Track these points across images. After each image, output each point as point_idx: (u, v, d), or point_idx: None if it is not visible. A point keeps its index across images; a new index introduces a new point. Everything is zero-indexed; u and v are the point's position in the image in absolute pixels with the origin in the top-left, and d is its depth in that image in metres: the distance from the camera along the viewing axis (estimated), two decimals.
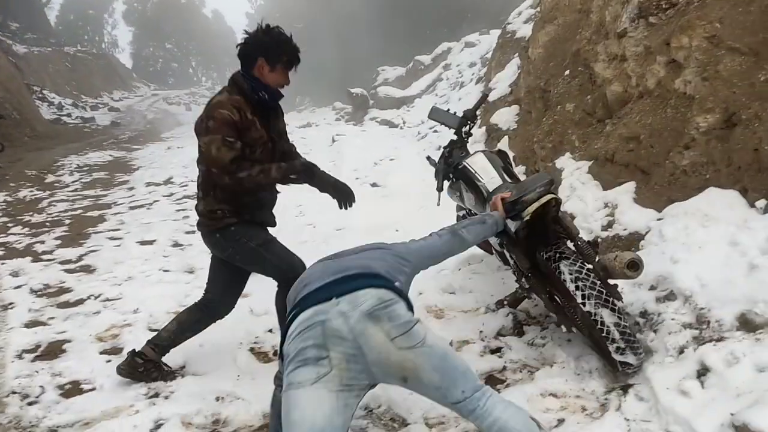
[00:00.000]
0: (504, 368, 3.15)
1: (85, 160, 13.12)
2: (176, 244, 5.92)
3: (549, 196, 2.90)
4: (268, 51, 2.96)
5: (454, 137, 4.11)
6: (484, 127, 8.27)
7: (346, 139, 11.38)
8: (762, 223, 3.03)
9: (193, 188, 8.92)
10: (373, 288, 2.05)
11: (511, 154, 6.57)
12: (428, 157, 4.43)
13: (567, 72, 5.62)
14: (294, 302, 2.15)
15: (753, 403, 2.17)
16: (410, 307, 2.14)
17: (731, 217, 3.17)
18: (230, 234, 2.98)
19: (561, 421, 2.61)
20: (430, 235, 2.67)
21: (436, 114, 4.16)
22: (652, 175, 3.96)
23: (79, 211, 7.90)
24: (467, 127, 4.06)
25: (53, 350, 3.61)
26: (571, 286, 2.77)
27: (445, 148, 4.15)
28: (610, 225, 4.08)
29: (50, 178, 10.81)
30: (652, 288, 3.19)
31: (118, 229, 6.68)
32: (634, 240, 3.76)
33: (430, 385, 1.97)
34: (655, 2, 4.31)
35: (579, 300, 2.74)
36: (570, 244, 3.07)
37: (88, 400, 3.02)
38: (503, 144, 7.01)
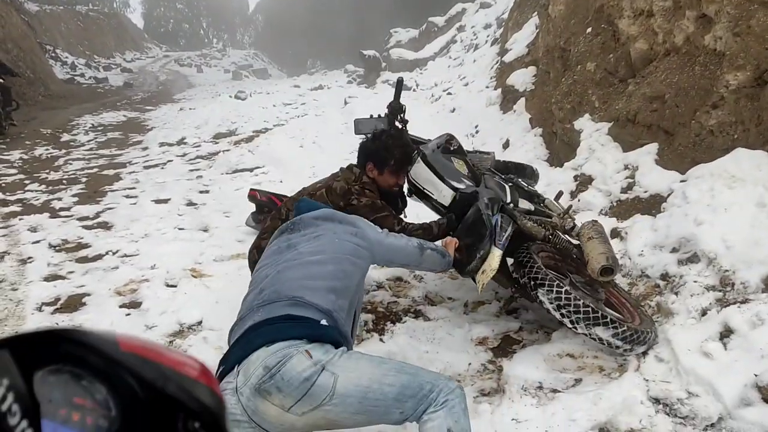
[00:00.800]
0: (520, 329, 3.14)
1: (99, 120, 13.10)
2: (190, 203, 5.91)
3: (495, 262, 2.67)
4: (376, 156, 3.06)
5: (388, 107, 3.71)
6: (499, 90, 8.13)
7: (359, 101, 11.24)
8: None
9: (206, 148, 8.95)
10: (270, 345, 1.78)
11: (527, 116, 6.48)
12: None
13: (589, 30, 5.46)
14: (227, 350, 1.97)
15: None
16: (335, 336, 1.90)
17: (760, 178, 3.10)
18: None
19: (578, 381, 2.60)
20: (405, 237, 2.58)
21: (361, 126, 3.65)
22: (676, 135, 3.87)
23: (95, 170, 7.90)
24: (399, 117, 3.69)
25: (73, 303, 3.63)
26: (557, 315, 2.63)
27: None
28: (630, 187, 4.01)
29: (65, 137, 10.81)
30: (674, 250, 3.14)
31: (134, 188, 6.68)
32: (655, 202, 3.69)
33: (360, 424, 1.82)
34: None
35: (569, 326, 2.62)
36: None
37: None
38: (519, 105, 6.89)
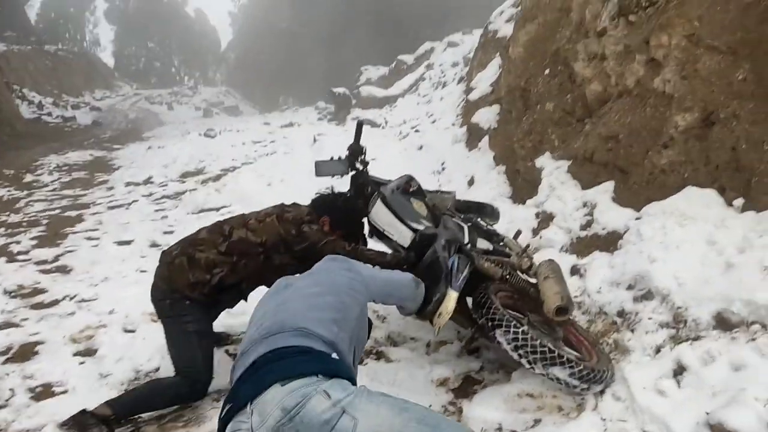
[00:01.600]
0: (481, 368, 3.14)
1: (64, 160, 12.94)
2: (154, 245, 5.84)
3: (451, 305, 2.67)
4: (336, 217, 3.15)
5: (353, 174, 3.73)
6: (465, 127, 8.27)
7: (328, 139, 11.31)
8: (739, 221, 3.05)
9: (173, 187, 8.88)
10: (284, 383, 1.74)
11: (491, 154, 6.60)
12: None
13: (547, 71, 5.63)
14: (230, 388, 1.93)
15: (728, 402, 2.17)
16: (347, 370, 1.91)
17: (709, 216, 3.18)
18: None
19: (537, 422, 2.59)
20: (399, 272, 2.63)
21: (322, 168, 3.67)
22: (630, 174, 3.97)
23: (57, 211, 7.78)
24: (360, 159, 3.70)
25: (25, 352, 3.53)
26: (514, 355, 2.63)
27: (348, 190, 3.71)
28: (588, 225, 4.09)
29: (29, 178, 10.65)
30: (630, 287, 3.20)
31: (96, 229, 6.58)
32: (613, 239, 3.76)
33: None
34: (635, 0, 4.33)
35: (526, 366, 2.62)
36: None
37: (60, 403, 2.95)
38: (484, 143, 7.01)
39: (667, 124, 3.66)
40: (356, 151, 3.62)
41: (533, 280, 3.13)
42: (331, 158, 3.71)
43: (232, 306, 3.23)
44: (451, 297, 2.67)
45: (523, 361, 2.62)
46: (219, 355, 3.36)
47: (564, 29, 5.61)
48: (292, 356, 1.84)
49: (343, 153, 3.70)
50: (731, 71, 3.33)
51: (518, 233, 3.53)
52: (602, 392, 2.64)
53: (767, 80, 3.13)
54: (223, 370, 3.20)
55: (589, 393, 2.63)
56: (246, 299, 3.22)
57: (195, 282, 2.88)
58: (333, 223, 3.10)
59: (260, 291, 3.04)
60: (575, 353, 2.82)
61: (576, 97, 4.98)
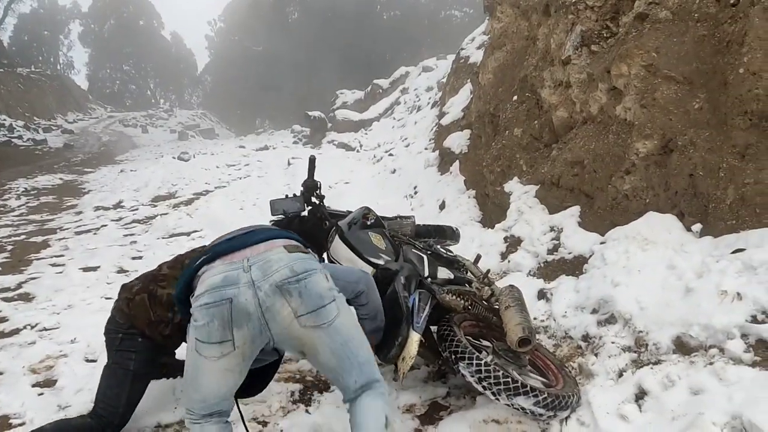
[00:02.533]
0: (448, 394, 3.12)
1: (33, 184, 12.73)
2: (121, 270, 5.74)
3: (414, 348, 2.61)
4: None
5: (309, 209, 3.66)
6: (437, 151, 8.35)
7: (302, 162, 11.33)
8: (697, 246, 3.11)
9: (143, 212, 8.77)
10: (290, 251, 2.05)
11: (462, 178, 6.66)
12: None
13: (515, 97, 5.73)
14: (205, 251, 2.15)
15: (687, 426, 2.19)
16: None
17: (669, 241, 3.25)
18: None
19: None
20: None
21: (277, 206, 3.58)
22: (595, 199, 4.04)
23: (23, 237, 7.61)
24: (315, 194, 3.62)
25: None
26: (479, 387, 2.62)
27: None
28: (555, 249, 4.14)
29: None
30: (594, 311, 3.23)
31: (62, 255, 6.45)
32: (578, 263, 3.81)
33: (325, 366, 2.07)
34: (597, 31, 4.45)
35: (491, 397, 2.61)
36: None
37: None
38: (455, 167, 7.08)
39: (628, 151, 3.74)
40: (311, 186, 3.54)
41: (496, 306, 3.14)
42: (286, 196, 3.66)
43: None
44: (414, 340, 2.62)
45: (488, 392, 2.61)
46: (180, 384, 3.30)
47: (531, 57, 5.73)
48: (288, 233, 2.18)
49: (298, 189, 3.66)
50: (688, 100, 3.44)
51: (478, 258, 3.56)
52: (567, 418, 2.64)
53: (722, 109, 3.23)
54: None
55: (555, 420, 2.64)
56: None
57: (156, 321, 2.78)
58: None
59: None
60: (541, 378, 2.82)
61: (543, 122, 5.07)
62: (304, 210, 3.54)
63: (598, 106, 4.24)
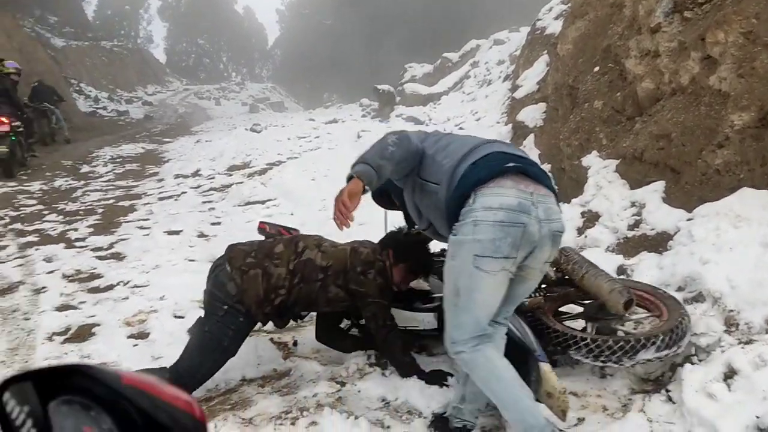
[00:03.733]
0: None
1: (118, 152, 13.37)
2: (201, 235, 6.00)
3: (554, 379, 2.40)
4: (398, 248, 3.10)
5: None
6: (510, 125, 8.21)
7: (372, 135, 11.37)
8: None
9: (220, 180, 9.09)
10: (557, 203, 2.20)
11: (536, 152, 6.53)
12: None
13: (596, 68, 5.54)
14: (477, 156, 2.19)
15: None
16: None
17: (765, 218, 3.09)
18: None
19: (581, 420, 2.57)
20: None
21: None
22: (682, 174, 3.88)
23: (111, 201, 8.06)
24: None
25: (82, 333, 3.69)
26: (599, 363, 2.70)
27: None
28: (637, 224, 4.02)
29: (85, 169, 11.04)
30: (680, 289, 3.13)
31: (147, 219, 6.80)
32: (662, 240, 3.69)
33: (511, 301, 2.27)
34: None
35: (616, 367, 2.68)
36: None
37: None
38: (529, 141, 6.94)
39: (722, 123, 3.57)
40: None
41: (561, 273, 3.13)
42: None
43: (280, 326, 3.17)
44: (548, 371, 2.41)
45: (610, 364, 2.61)
46: (262, 342, 3.45)
47: (615, 25, 5.51)
48: (543, 171, 2.25)
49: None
50: None
51: None
52: (650, 394, 2.61)
53: None
54: (268, 357, 3.30)
55: (681, 351, 2.62)
56: (297, 320, 3.30)
57: (263, 299, 2.82)
58: (395, 255, 3.06)
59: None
60: (644, 312, 2.88)
61: (626, 95, 4.89)
62: None
63: (689, 77, 4.04)
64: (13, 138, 9.48)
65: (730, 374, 2.45)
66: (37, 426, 0.46)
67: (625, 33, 5.10)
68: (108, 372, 0.46)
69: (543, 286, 3.07)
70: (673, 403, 2.50)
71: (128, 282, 4.54)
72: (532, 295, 2.98)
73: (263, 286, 2.82)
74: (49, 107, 13.06)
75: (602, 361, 2.61)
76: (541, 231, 2.05)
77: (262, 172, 9.53)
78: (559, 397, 2.34)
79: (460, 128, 10.75)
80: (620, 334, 2.65)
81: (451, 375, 2.91)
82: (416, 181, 2.36)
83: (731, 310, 2.75)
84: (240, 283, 2.81)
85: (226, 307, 2.82)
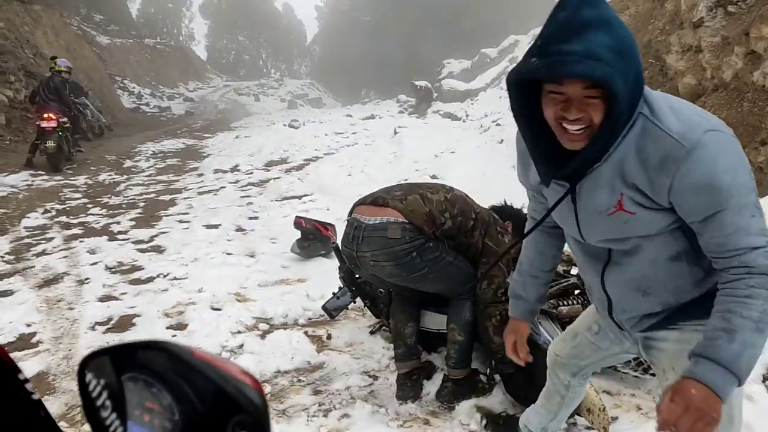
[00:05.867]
0: None
1: (160, 147, 13.69)
2: (239, 229, 6.12)
3: (593, 394, 2.36)
4: (518, 222, 2.97)
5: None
6: None
7: (408, 131, 11.39)
8: None
9: (258, 175, 9.24)
10: None
11: None
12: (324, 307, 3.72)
13: None
14: None
15: None
16: None
17: None
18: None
19: (614, 419, 2.55)
20: None
21: (331, 310, 3.62)
22: None
23: (153, 195, 8.27)
24: (354, 279, 3.38)
25: (124, 323, 3.81)
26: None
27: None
28: None
29: (128, 163, 11.35)
30: None
31: (187, 213, 6.96)
32: None
33: None
34: None
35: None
36: None
37: None
38: None
39: (765, 120, 3.47)
40: (348, 274, 3.35)
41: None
42: (333, 294, 3.65)
43: None
44: (587, 386, 2.24)
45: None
46: (297, 336, 3.51)
47: (657, 20, 5.39)
48: None
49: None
50: None
51: None
52: None
53: None
54: (302, 350, 3.35)
55: None
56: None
57: (430, 219, 2.63)
58: (516, 229, 2.98)
59: None
60: None
61: (668, 90, 4.78)
62: (354, 298, 3.54)
63: (732, 72, 3.94)
64: (61, 133, 9.80)
65: None
66: (112, 397, 0.50)
67: (667, 28, 4.99)
68: (182, 347, 0.50)
69: (577, 292, 3.02)
70: None
71: (168, 274, 4.66)
72: (571, 303, 2.95)
73: (427, 207, 2.65)
74: (84, 102, 13.38)
75: (651, 374, 2.57)
76: None
77: (300, 167, 9.65)
78: (599, 414, 2.31)
79: (497, 124, 10.66)
80: None
81: (485, 374, 2.91)
82: None
83: None
84: (404, 207, 2.62)
85: (408, 245, 2.57)
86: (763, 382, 2.38)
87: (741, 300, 1.23)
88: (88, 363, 0.52)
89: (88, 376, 0.52)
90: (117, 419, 0.50)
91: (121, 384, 0.50)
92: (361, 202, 2.83)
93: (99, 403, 0.51)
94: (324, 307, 3.64)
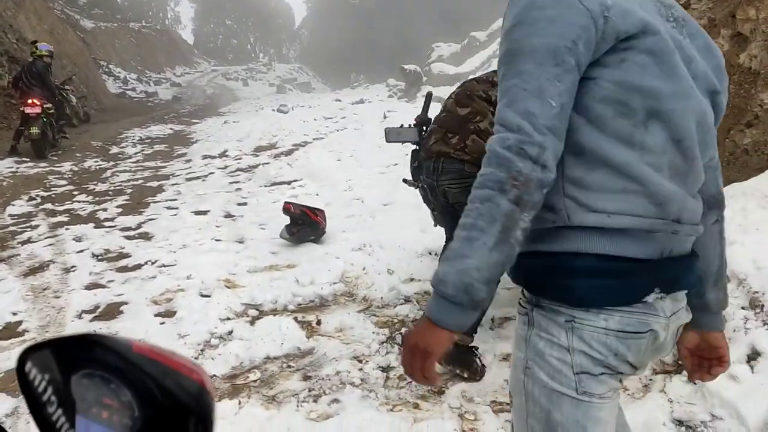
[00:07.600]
0: None
1: (147, 133, 13.56)
2: (228, 215, 6.08)
3: None
4: None
5: (413, 149, 3.76)
6: None
7: (398, 116, 11.34)
8: None
9: (246, 161, 9.17)
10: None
11: None
12: (405, 180, 4.05)
13: None
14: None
15: None
16: None
17: None
18: None
19: None
20: None
21: (392, 136, 3.75)
22: None
23: (140, 181, 8.20)
24: (425, 129, 3.60)
25: (111, 311, 3.79)
26: None
27: (412, 164, 3.75)
28: None
29: (114, 150, 11.23)
30: None
31: (175, 199, 6.91)
32: None
33: None
34: None
35: None
36: None
37: None
38: None
39: (751, 102, 3.48)
40: (424, 121, 3.63)
41: None
42: (401, 125, 3.78)
43: None
44: None
45: None
46: (286, 321, 3.51)
47: None
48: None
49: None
50: None
51: None
52: (671, 375, 2.60)
53: None
54: (291, 336, 3.35)
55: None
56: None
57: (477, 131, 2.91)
58: None
59: None
60: None
61: None
62: (418, 141, 3.62)
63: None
64: (45, 119, 9.68)
65: (753, 356, 2.43)
66: (58, 393, 0.49)
67: None
68: (119, 340, 0.49)
69: None
70: (695, 384, 2.48)
71: (156, 261, 4.63)
72: None
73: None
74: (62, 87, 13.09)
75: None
76: (667, 332, 1.22)
77: (289, 152, 9.60)
78: None
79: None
80: None
81: (480, 357, 2.92)
82: None
83: (756, 292, 2.71)
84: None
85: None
86: (748, 362, 2.41)
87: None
88: (28, 357, 0.51)
89: (33, 372, 0.50)
90: (63, 415, 0.49)
91: (67, 379, 0.49)
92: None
93: (44, 398, 0.49)
94: (386, 129, 3.83)
